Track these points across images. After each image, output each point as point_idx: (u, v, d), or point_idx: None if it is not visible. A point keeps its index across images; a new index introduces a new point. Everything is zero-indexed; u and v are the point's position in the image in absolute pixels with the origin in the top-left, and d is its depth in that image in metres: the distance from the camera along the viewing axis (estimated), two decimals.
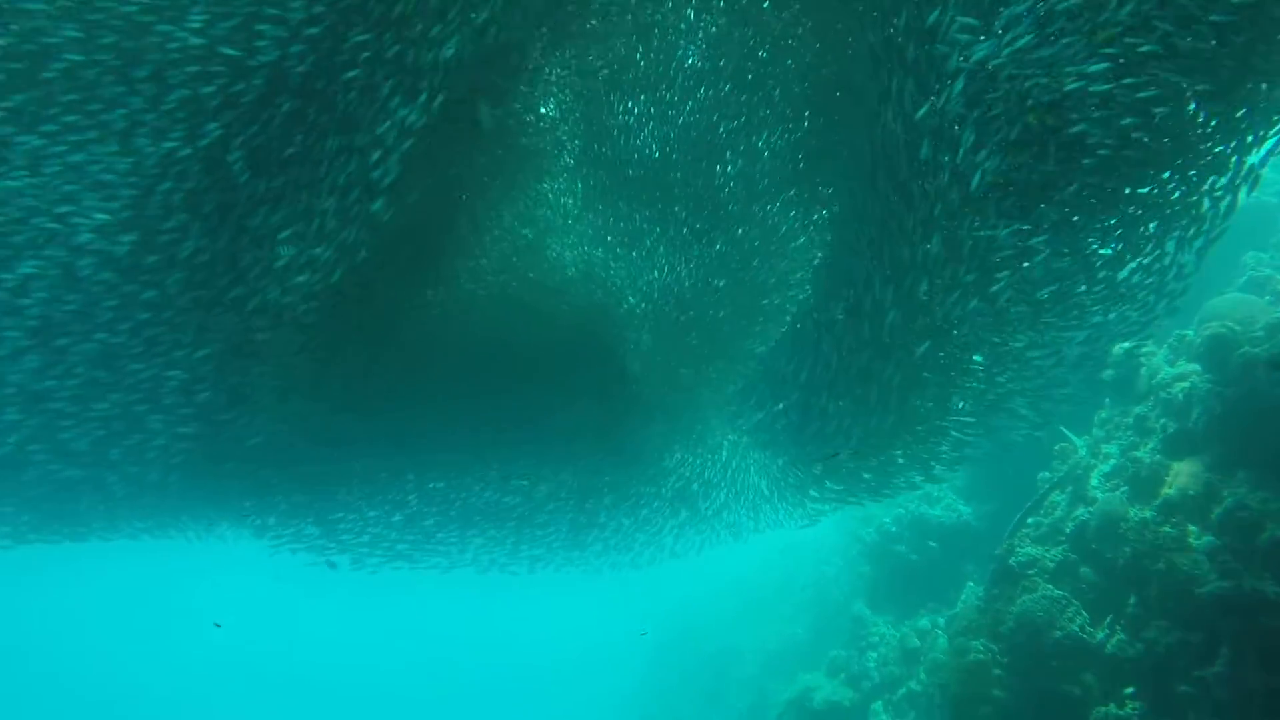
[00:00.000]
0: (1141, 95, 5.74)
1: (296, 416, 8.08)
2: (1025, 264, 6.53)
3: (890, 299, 7.34)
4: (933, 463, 9.34)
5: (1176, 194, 6.33)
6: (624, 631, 37.82)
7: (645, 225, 10.75)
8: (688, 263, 10.86)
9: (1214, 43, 5.59)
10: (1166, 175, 6.16)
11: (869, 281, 7.55)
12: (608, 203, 10.74)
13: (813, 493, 11.07)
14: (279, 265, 6.45)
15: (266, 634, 47.71)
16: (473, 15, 6.46)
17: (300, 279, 6.38)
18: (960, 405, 8.41)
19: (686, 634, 30.77)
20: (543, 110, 10.04)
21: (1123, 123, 5.95)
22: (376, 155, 6.21)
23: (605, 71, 9.58)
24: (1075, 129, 6.00)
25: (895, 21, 6.97)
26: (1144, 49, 5.58)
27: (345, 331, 7.70)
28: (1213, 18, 5.42)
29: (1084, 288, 6.88)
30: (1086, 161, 6.16)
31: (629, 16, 9.00)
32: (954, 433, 8.84)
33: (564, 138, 10.36)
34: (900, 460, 9.29)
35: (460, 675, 47.89)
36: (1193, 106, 5.83)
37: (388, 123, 6.27)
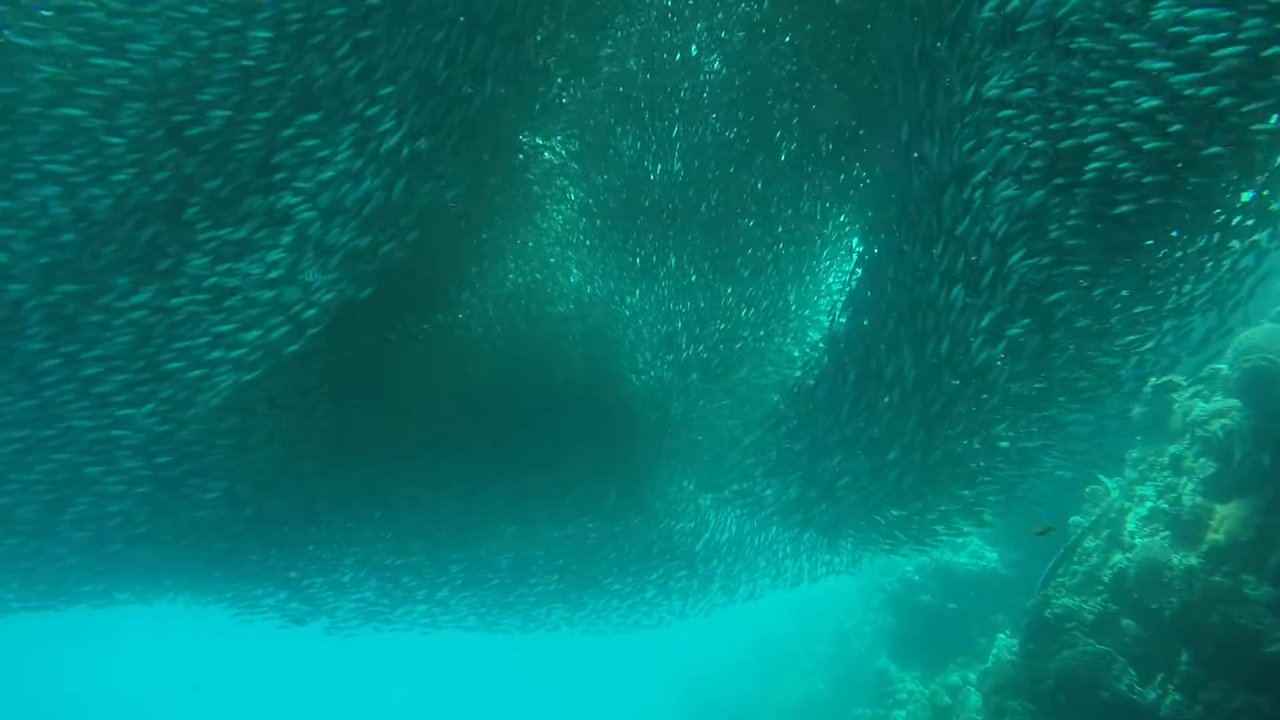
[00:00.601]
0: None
1: (265, 476, 7.56)
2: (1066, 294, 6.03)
3: (910, 359, 6.88)
4: (981, 509, 8.68)
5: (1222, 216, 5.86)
6: (631, 674, 36.70)
7: (657, 257, 10.35)
8: (706, 289, 10.42)
9: None
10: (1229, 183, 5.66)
11: (893, 342, 7.09)
12: (620, 232, 10.35)
13: (846, 543, 10.41)
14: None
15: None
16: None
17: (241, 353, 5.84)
18: (1005, 445, 7.78)
19: (699, 684, 29.78)
20: (545, 142, 9.73)
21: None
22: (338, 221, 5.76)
23: (613, 105, 9.26)
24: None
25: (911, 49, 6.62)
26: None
27: (314, 384, 7.22)
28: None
29: (1140, 308, 6.34)
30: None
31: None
32: (1001, 473, 8.20)
33: (570, 168, 10.03)
34: (944, 507, 8.65)
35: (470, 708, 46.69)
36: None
37: (364, 184, 5.84)
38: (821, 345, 9.46)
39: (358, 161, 5.69)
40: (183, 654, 42.17)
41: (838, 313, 8.57)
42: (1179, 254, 6.06)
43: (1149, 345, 6.60)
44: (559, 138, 9.66)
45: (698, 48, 8.68)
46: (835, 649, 23.61)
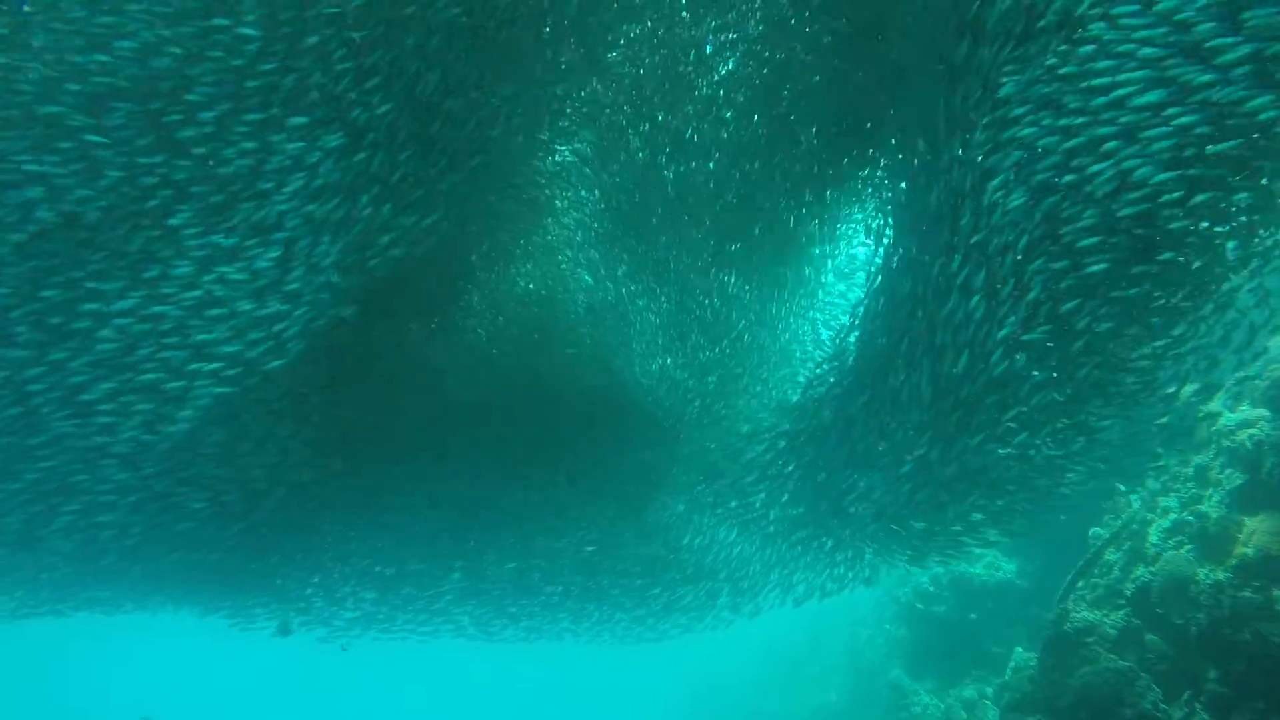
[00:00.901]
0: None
1: (260, 485, 7.39)
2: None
3: (927, 375, 6.65)
4: (1010, 519, 8.40)
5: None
6: (636, 685, 36.41)
7: (668, 256, 10.14)
8: (721, 290, 10.22)
9: None
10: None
11: (910, 356, 6.86)
12: (633, 234, 10.15)
13: (866, 555, 10.14)
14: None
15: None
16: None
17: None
18: (1033, 454, 7.51)
19: (706, 695, 29.44)
20: (554, 144, 9.55)
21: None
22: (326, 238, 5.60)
23: (625, 105, 9.07)
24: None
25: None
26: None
27: (310, 392, 7.05)
28: None
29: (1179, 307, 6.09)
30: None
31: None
32: (1032, 482, 7.94)
33: (580, 170, 9.84)
34: (972, 517, 8.39)
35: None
36: None
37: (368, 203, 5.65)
38: (830, 363, 9.26)
39: (348, 175, 5.52)
40: (183, 661, 42.28)
41: (852, 326, 8.35)
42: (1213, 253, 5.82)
43: (1187, 346, 6.35)
44: (565, 138, 9.47)
45: (712, 45, 8.48)
46: (848, 659, 23.27)
